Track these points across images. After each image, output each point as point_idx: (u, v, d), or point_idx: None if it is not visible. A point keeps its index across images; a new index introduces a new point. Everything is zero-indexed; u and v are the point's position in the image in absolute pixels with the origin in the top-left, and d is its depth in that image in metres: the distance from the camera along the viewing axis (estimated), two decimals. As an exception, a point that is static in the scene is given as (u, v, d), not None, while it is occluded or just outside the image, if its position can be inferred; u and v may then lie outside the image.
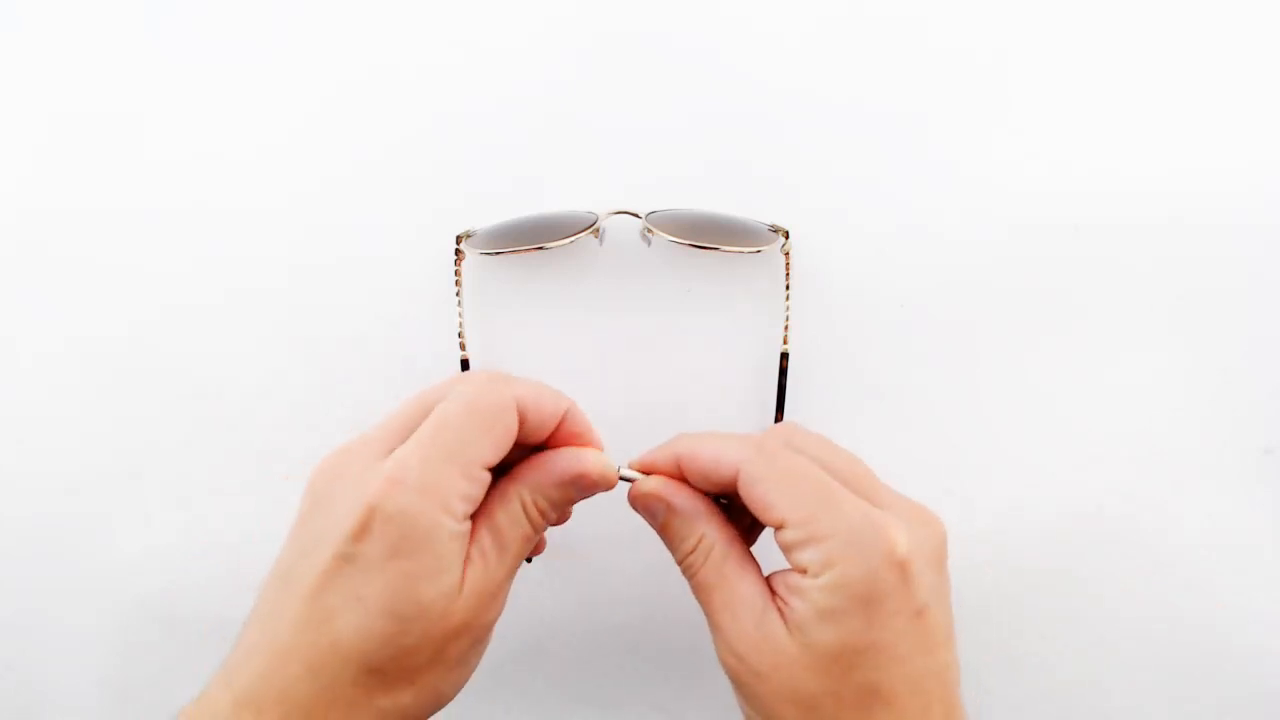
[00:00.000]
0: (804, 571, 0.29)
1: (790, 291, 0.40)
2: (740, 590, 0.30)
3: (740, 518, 0.33)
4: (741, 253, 0.38)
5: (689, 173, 0.41)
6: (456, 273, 0.40)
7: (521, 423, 0.30)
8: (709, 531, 0.32)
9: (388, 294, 0.41)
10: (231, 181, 0.42)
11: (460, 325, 0.40)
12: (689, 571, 0.32)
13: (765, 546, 0.32)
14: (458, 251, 0.40)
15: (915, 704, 0.29)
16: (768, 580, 0.31)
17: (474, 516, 0.30)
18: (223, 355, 0.42)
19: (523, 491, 0.31)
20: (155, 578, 0.43)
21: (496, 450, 0.29)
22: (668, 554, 0.42)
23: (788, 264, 0.40)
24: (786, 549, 0.30)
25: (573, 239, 0.37)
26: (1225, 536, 0.41)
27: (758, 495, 0.30)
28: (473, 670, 0.31)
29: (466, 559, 0.29)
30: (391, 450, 0.29)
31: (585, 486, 0.32)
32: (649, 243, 0.39)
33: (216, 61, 0.41)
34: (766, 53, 0.41)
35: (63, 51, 0.42)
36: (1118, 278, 0.41)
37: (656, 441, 0.41)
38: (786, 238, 0.39)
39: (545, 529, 0.32)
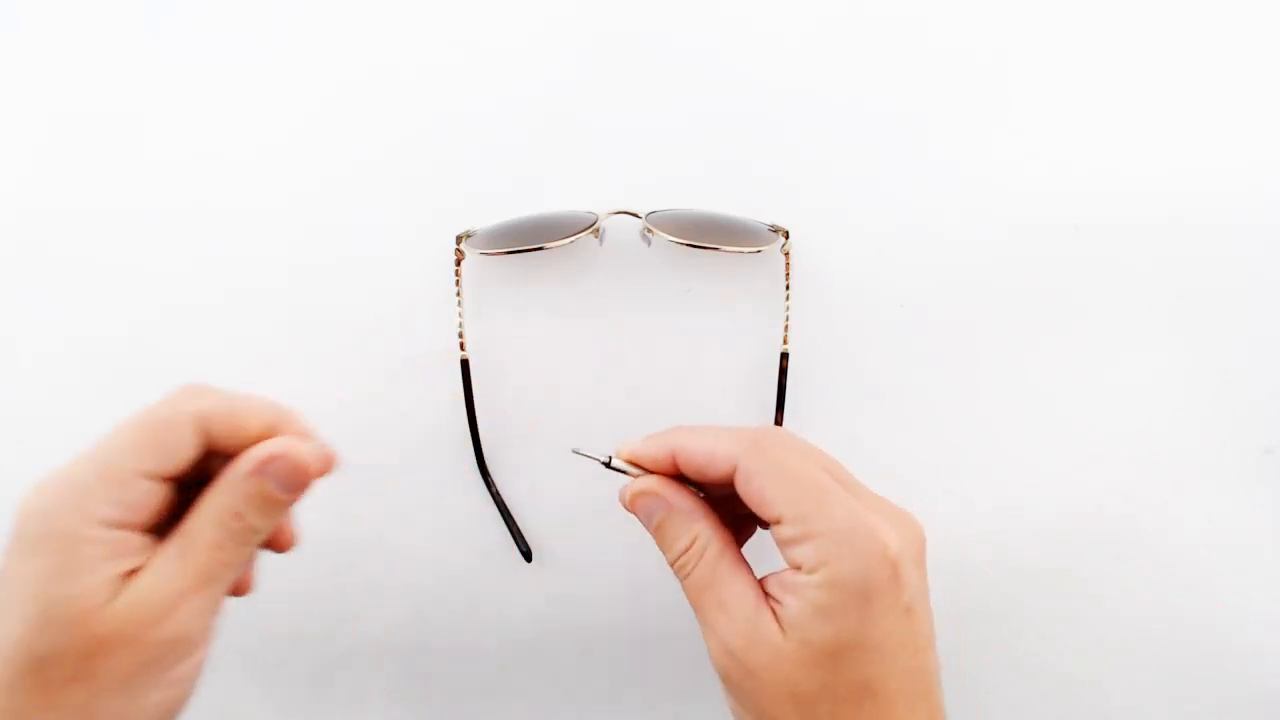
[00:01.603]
0: (799, 568, 0.29)
1: (790, 291, 0.40)
2: (733, 590, 0.30)
3: (726, 516, 0.33)
4: (741, 253, 0.38)
5: (689, 173, 0.41)
6: (456, 273, 0.40)
7: (212, 434, 0.28)
8: (703, 531, 0.31)
9: (388, 294, 0.41)
10: (231, 181, 0.42)
11: (460, 325, 0.40)
12: (682, 572, 0.32)
13: (755, 548, 0.32)
14: (458, 251, 0.40)
15: (903, 700, 0.29)
16: (760, 582, 0.31)
17: (166, 527, 0.28)
18: (222, 355, 0.42)
19: (216, 497, 0.28)
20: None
21: (157, 459, 0.28)
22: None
23: (788, 264, 0.40)
24: (782, 544, 0.30)
25: (573, 239, 0.38)
26: (1225, 536, 0.41)
27: (754, 489, 0.30)
28: (152, 711, 0.27)
29: (140, 569, 0.27)
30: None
31: (282, 474, 0.29)
32: (649, 243, 0.39)
33: (216, 61, 0.42)
34: (766, 53, 0.41)
35: (63, 51, 0.42)
36: (1118, 278, 0.41)
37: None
38: (786, 238, 0.39)
39: (253, 541, 0.29)
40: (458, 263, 0.40)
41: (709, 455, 0.31)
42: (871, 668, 0.29)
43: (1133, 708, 0.42)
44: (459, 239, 0.40)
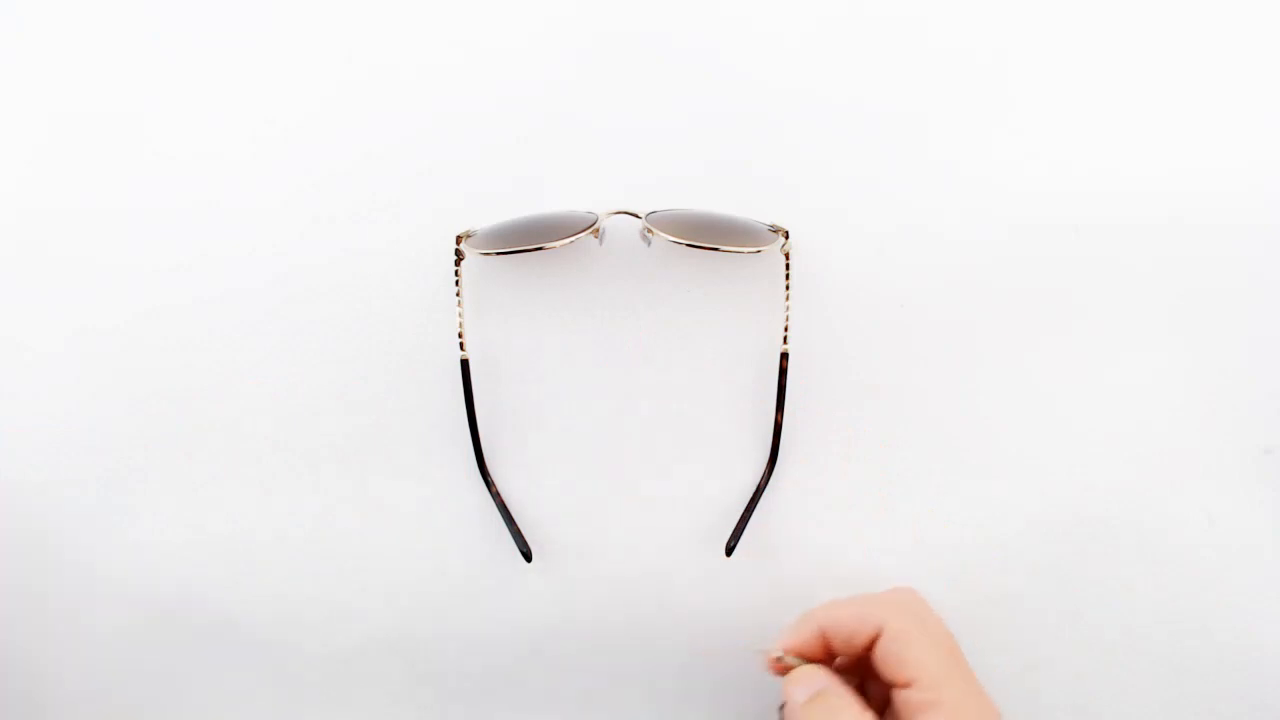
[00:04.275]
0: None
1: (790, 291, 0.40)
2: None
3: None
4: (741, 253, 0.38)
5: (689, 173, 0.41)
6: (456, 273, 0.40)
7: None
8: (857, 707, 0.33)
9: (388, 294, 0.41)
10: (231, 181, 0.42)
11: (460, 325, 0.40)
12: None
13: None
14: (458, 251, 0.40)
15: None
16: None
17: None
18: (223, 355, 0.42)
19: None
20: (156, 577, 0.43)
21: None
22: (668, 556, 0.43)
23: (788, 264, 0.40)
24: (907, 708, 0.32)
25: (573, 239, 0.37)
26: (1225, 536, 0.41)
27: (894, 651, 0.32)
28: None
29: None
30: None
31: None
32: (649, 243, 0.39)
33: (216, 61, 0.41)
34: (766, 53, 0.41)
35: (63, 51, 0.42)
36: (1118, 278, 0.41)
37: (654, 439, 0.41)
38: (786, 238, 0.39)
39: None
40: (457, 263, 0.40)
41: (858, 619, 0.33)
42: None
43: (1132, 707, 0.42)
44: (459, 239, 0.40)
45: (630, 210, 0.39)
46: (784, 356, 0.40)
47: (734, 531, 0.41)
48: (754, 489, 0.41)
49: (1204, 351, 0.41)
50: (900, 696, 0.32)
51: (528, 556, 0.42)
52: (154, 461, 0.42)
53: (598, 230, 0.38)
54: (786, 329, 0.40)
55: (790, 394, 0.40)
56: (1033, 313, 0.41)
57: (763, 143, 0.41)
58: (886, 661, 0.32)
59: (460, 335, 0.40)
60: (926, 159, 0.41)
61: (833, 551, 0.42)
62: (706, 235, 0.38)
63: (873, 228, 0.41)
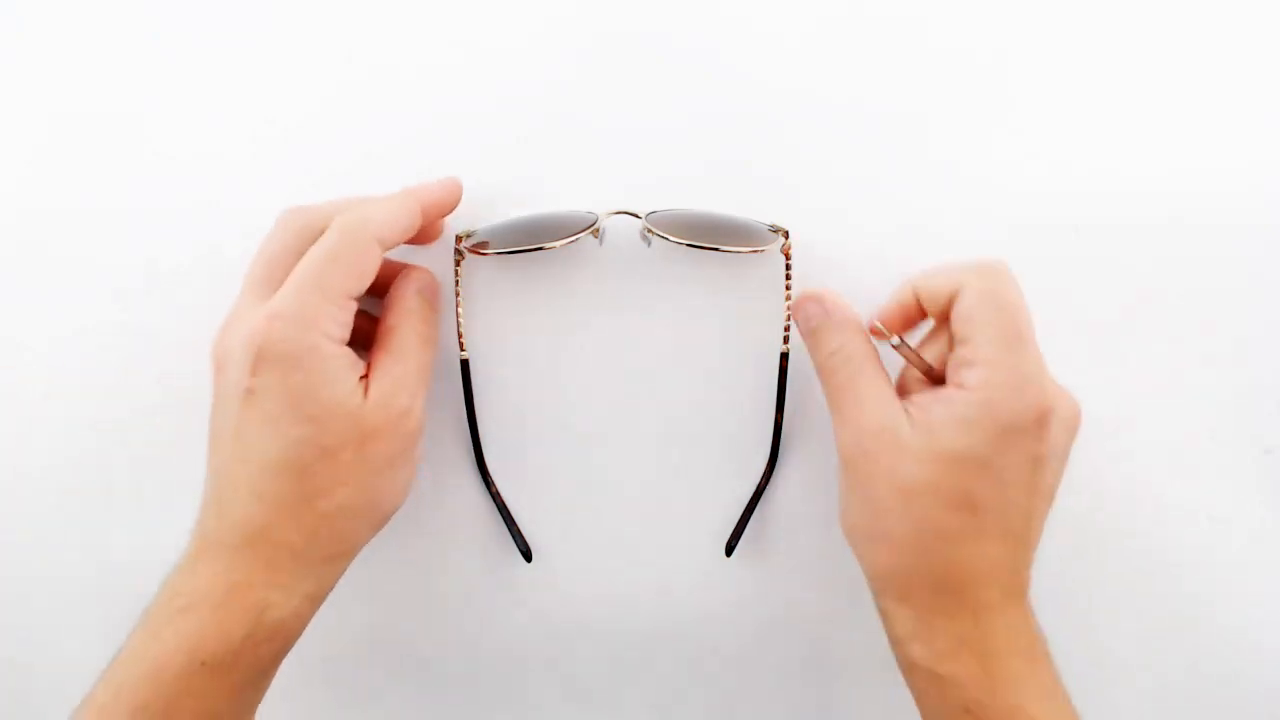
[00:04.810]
0: (960, 386, 0.32)
1: (790, 291, 0.40)
2: (872, 390, 0.34)
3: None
4: (741, 252, 0.38)
5: (689, 173, 0.41)
6: (456, 273, 0.40)
7: (388, 245, 0.34)
8: (851, 339, 0.35)
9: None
10: (231, 181, 0.42)
11: (460, 325, 0.40)
12: (826, 370, 0.36)
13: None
14: (458, 251, 0.40)
15: (999, 528, 0.32)
16: (903, 396, 0.34)
17: (373, 339, 0.36)
18: (223, 355, 0.42)
19: (407, 316, 0.36)
20: (155, 577, 0.43)
21: (360, 283, 0.34)
22: (668, 556, 0.43)
23: (788, 264, 0.40)
24: (958, 363, 0.33)
25: (573, 239, 0.37)
26: (1225, 536, 0.41)
27: (967, 307, 0.33)
28: (404, 482, 0.36)
29: (369, 372, 0.34)
30: (268, 297, 0.33)
31: (430, 291, 0.37)
32: (649, 243, 0.39)
33: (217, 61, 0.41)
34: (766, 53, 0.41)
35: (63, 51, 0.42)
36: (1118, 278, 0.41)
37: (654, 440, 0.41)
38: (786, 237, 0.39)
39: (433, 342, 0.37)
40: (457, 263, 0.40)
41: (943, 276, 0.34)
42: (981, 486, 0.32)
43: (1132, 707, 0.42)
44: (459, 239, 0.40)
45: (630, 210, 0.39)
46: (784, 356, 0.40)
47: (734, 531, 0.41)
48: (754, 489, 0.41)
49: (1204, 351, 0.41)
50: (955, 355, 0.33)
51: (528, 556, 0.42)
52: (154, 462, 0.42)
53: (598, 230, 0.38)
54: (787, 329, 0.40)
55: (790, 394, 0.40)
56: (1032, 313, 0.41)
57: (763, 143, 0.41)
58: (959, 316, 0.33)
59: (460, 335, 0.40)
60: (926, 159, 0.41)
61: (833, 551, 0.42)
62: (706, 235, 0.38)
63: (873, 228, 0.41)
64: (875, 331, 0.36)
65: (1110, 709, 0.42)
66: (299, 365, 0.32)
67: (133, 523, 0.43)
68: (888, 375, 0.35)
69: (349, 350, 0.34)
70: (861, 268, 0.41)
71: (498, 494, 0.42)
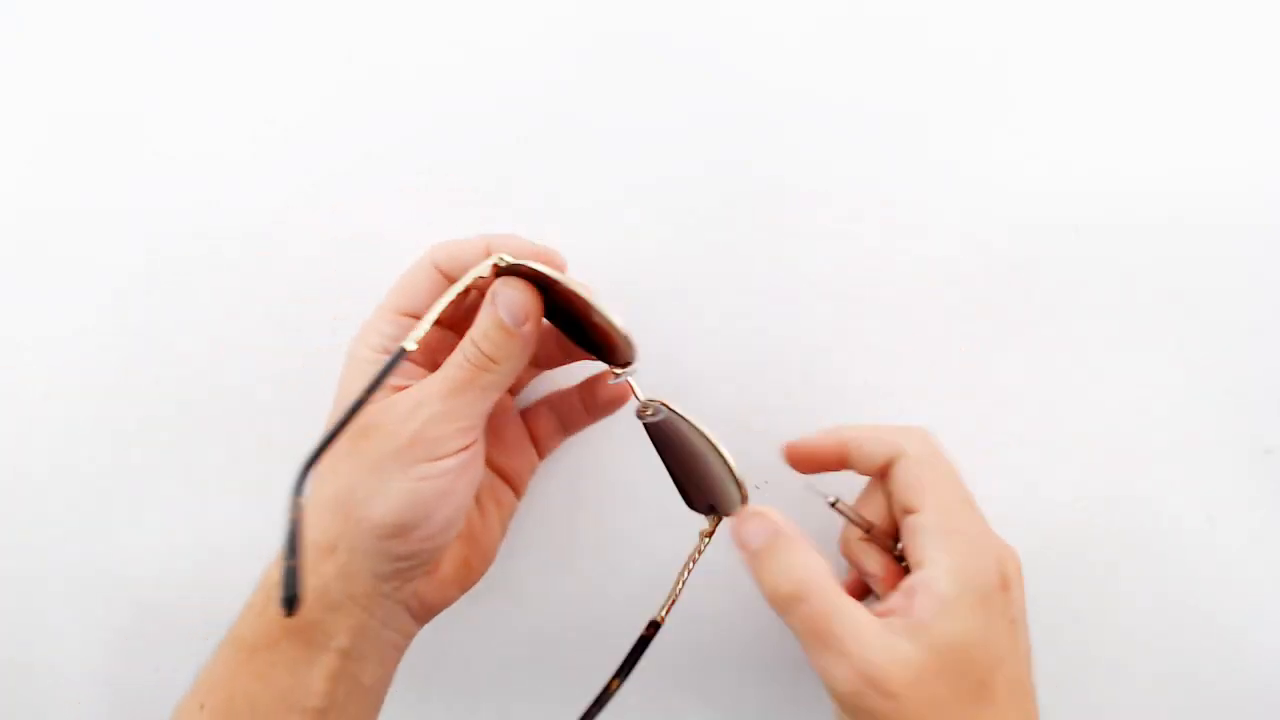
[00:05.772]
0: (920, 564, 0.31)
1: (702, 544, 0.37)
2: (858, 615, 0.30)
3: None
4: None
5: (689, 173, 0.41)
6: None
7: (444, 268, 0.35)
8: (816, 560, 0.32)
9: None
10: (231, 181, 0.42)
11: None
12: (796, 600, 0.31)
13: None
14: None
15: (1013, 707, 0.31)
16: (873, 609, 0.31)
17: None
18: (223, 354, 0.42)
19: (468, 332, 0.34)
20: (155, 577, 0.43)
21: (408, 299, 0.35)
22: (669, 555, 0.42)
23: (706, 541, 0.36)
24: (913, 533, 0.32)
25: None
26: (1225, 536, 0.41)
27: (912, 476, 0.32)
28: (397, 494, 0.33)
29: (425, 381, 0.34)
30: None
31: (506, 303, 0.34)
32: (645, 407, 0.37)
33: (217, 62, 0.41)
34: (766, 53, 0.41)
35: (63, 51, 0.42)
36: (1118, 278, 0.41)
37: (650, 441, 0.41)
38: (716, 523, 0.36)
39: (491, 370, 0.34)
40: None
41: (876, 440, 0.34)
42: (990, 670, 0.30)
43: (1133, 706, 0.42)
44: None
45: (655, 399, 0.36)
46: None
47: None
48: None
49: (1204, 351, 0.41)
50: (910, 522, 0.32)
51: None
52: (154, 461, 0.42)
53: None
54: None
55: (790, 394, 0.40)
56: (1033, 313, 0.41)
57: (763, 143, 0.41)
58: (900, 485, 0.33)
59: (460, 335, 0.40)
60: (926, 159, 0.41)
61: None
62: (681, 460, 0.36)
63: (874, 227, 0.41)
64: (792, 455, 0.35)
65: (1110, 709, 0.42)
66: (347, 368, 0.35)
67: (133, 523, 0.43)
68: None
69: (383, 357, 0.34)
70: (862, 267, 0.41)
71: (498, 494, 0.41)
